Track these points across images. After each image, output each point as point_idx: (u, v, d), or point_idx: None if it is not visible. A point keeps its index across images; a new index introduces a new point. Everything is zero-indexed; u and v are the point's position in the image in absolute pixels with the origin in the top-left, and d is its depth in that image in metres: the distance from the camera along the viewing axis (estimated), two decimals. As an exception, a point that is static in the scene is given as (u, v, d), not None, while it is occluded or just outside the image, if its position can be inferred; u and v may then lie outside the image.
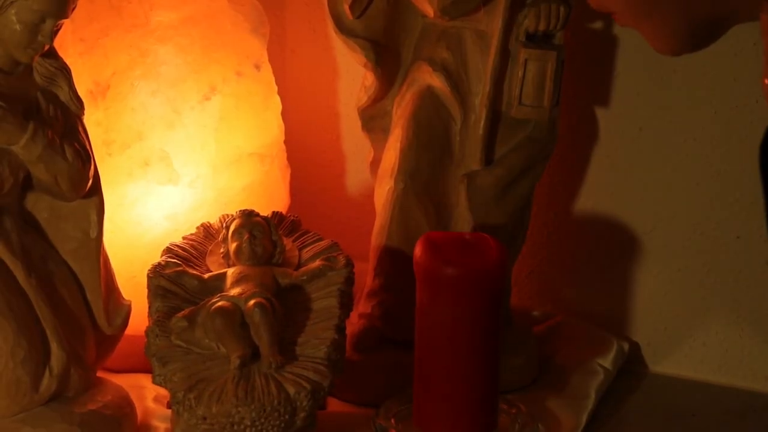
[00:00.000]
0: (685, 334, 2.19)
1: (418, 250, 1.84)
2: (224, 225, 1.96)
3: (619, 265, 2.22)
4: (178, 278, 1.86)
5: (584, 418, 1.97)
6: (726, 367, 2.15)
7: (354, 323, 2.01)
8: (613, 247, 2.22)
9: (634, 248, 2.21)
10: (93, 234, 1.86)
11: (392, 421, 1.89)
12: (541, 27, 1.99)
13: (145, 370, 1.84)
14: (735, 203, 2.13)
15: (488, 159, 2.03)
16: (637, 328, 2.21)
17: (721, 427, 2.03)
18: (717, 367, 2.16)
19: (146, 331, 1.80)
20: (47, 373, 1.79)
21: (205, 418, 1.71)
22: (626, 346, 2.16)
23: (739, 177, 2.12)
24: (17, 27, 1.73)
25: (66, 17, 1.77)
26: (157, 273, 1.86)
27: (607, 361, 2.12)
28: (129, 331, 1.93)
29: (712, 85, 2.12)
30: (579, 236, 2.25)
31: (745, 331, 2.14)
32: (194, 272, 1.89)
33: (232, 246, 1.91)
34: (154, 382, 1.78)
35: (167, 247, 1.93)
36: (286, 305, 1.83)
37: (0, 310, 1.76)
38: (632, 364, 2.18)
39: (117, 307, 1.92)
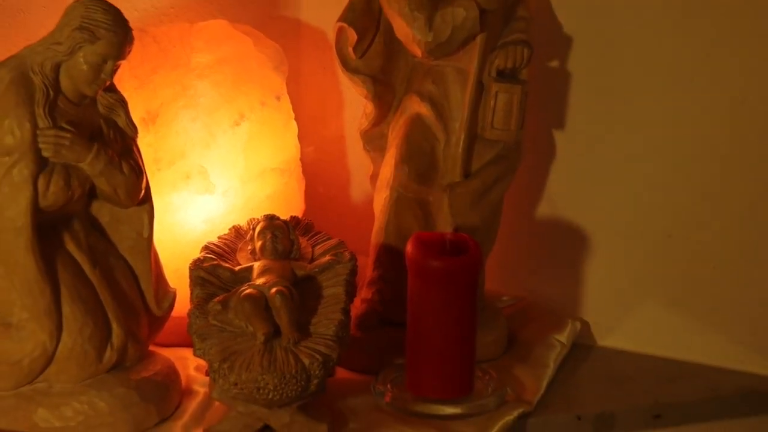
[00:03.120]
0: (625, 315, 2.17)
1: (409, 247, 1.84)
2: (251, 227, 1.96)
3: (572, 259, 2.21)
4: (213, 270, 1.86)
5: (544, 383, 1.97)
6: (657, 341, 2.14)
7: (357, 307, 2.00)
8: (568, 244, 2.21)
9: (584, 244, 2.19)
10: (145, 234, 1.87)
11: (388, 386, 1.90)
12: (509, 65, 1.99)
13: (188, 344, 1.83)
14: (666, 208, 2.11)
15: (466, 172, 2.01)
16: (587, 310, 2.20)
17: (653, 388, 2.02)
18: (650, 341, 2.15)
19: (188, 313, 1.80)
20: (109, 347, 1.80)
21: (236, 384, 1.70)
22: (578, 325, 2.15)
23: (670, 186, 2.10)
24: (84, 67, 1.73)
25: (123, 59, 1.77)
26: (197, 266, 1.86)
27: (563, 336, 2.11)
28: (174, 313, 1.94)
29: (646, 111, 2.11)
30: (540, 235, 2.24)
31: (673, 312, 2.13)
32: (227, 265, 1.88)
33: (258, 244, 1.91)
34: (194, 354, 1.77)
35: (205, 245, 1.93)
36: (302, 292, 1.82)
37: (71, 296, 1.76)
38: (583, 339, 2.17)
39: (164, 293, 1.92)
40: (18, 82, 1.71)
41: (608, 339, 2.19)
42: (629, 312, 2.17)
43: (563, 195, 2.21)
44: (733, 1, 2.01)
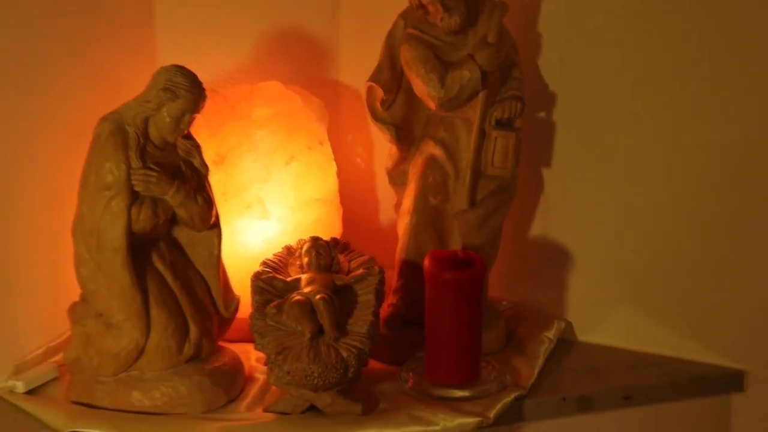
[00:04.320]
0: (601, 316, 2.16)
1: (426, 262, 1.86)
2: (300, 246, 1.98)
3: (558, 271, 2.19)
4: (270, 281, 1.88)
5: (536, 371, 1.98)
6: (627, 337, 2.13)
7: (385, 310, 2.00)
8: (555, 259, 2.19)
9: (568, 260, 2.18)
10: (215, 252, 1.89)
11: (411, 374, 1.92)
12: (506, 115, 1.99)
13: (249, 341, 1.84)
14: (635, 230, 2.10)
15: (472, 201, 2.02)
16: (570, 312, 2.19)
17: (624, 375, 2.01)
18: (621, 337, 2.13)
19: (250, 315, 1.83)
20: (187, 342, 1.83)
21: (288, 372, 1.73)
22: (563, 324, 2.14)
23: (639, 212, 2.09)
24: (168, 120, 1.77)
25: (198, 113, 1.80)
26: (256, 277, 1.88)
27: (551, 333, 2.11)
28: (239, 315, 1.95)
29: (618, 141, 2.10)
30: (533, 251, 2.22)
31: (639, 314, 2.12)
32: (280, 277, 1.90)
33: (305, 260, 1.94)
34: (255, 348, 1.80)
35: (263, 260, 1.94)
36: (341, 298, 1.84)
37: (157, 302, 1.80)
38: (567, 335, 2.16)
39: (231, 299, 1.94)
40: (116, 132, 1.74)
41: (587, 335, 2.16)
42: (604, 313, 2.15)
43: (551, 220, 2.19)
44: (714, 43, 1.97)
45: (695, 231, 2.07)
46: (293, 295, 1.83)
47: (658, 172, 2.08)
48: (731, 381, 2.05)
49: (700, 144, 2.03)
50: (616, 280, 2.15)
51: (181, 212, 1.83)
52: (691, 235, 2.07)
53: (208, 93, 1.81)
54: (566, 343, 2.15)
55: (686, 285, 2.08)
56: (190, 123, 1.80)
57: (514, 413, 1.87)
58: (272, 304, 1.83)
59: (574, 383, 1.98)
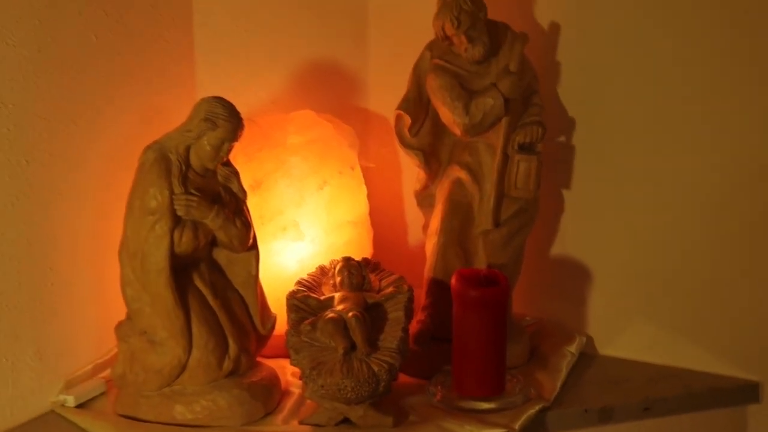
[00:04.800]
0: (620, 330, 2.15)
1: (453, 280, 1.87)
2: (333, 266, 1.99)
3: (579, 288, 2.19)
4: (304, 299, 1.89)
5: (559, 384, 1.98)
6: (646, 350, 2.12)
7: (414, 326, 1.99)
8: (576, 277, 2.19)
9: (588, 277, 2.18)
10: (253, 272, 1.89)
11: (439, 387, 1.92)
12: (528, 140, 2.00)
13: (285, 356, 1.84)
14: (652, 248, 2.09)
15: (496, 222, 2.02)
16: (591, 327, 2.18)
17: (643, 387, 2.01)
18: (640, 350, 2.13)
19: (286, 332, 1.83)
20: (227, 358, 1.83)
21: (322, 386, 1.73)
22: (584, 338, 2.14)
23: (656, 232, 2.08)
24: (208, 148, 1.79)
25: (236, 141, 1.81)
26: (292, 296, 1.89)
27: (572, 347, 2.11)
28: (275, 332, 1.95)
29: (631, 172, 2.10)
30: (554, 269, 2.22)
31: (657, 328, 2.11)
32: (314, 296, 1.91)
33: (338, 279, 1.94)
34: (291, 363, 1.81)
35: (298, 280, 1.95)
36: (372, 316, 1.85)
37: (198, 320, 1.80)
38: (588, 349, 2.15)
39: (268, 317, 1.95)
40: (160, 160, 1.76)
41: (608, 349, 2.16)
42: (623, 328, 2.15)
43: (571, 239, 2.19)
44: (729, 73, 1.97)
45: (707, 248, 2.07)
46: (327, 313, 1.83)
47: (669, 192, 2.08)
48: (747, 392, 2.04)
49: (709, 164, 2.03)
50: (634, 296, 2.14)
51: (220, 235, 1.83)
52: (703, 252, 2.07)
53: (245, 122, 1.82)
54: (587, 356, 2.15)
55: (701, 299, 2.08)
56: (228, 151, 1.81)
57: (538, 424, 1.86)
58: (307, 322, 1.83)
59: (595, 395, 1.97)
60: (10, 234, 1.78)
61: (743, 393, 2.04)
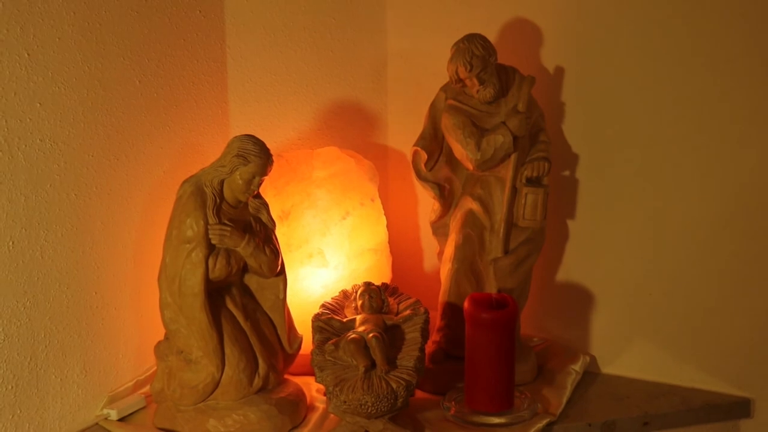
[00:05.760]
0: (621, 350, 2.14)
1: (466, 304, 1.87)
2: (354, 290, 1.98)
3: (583, 310, 2.18)
4: (328, 321, 1.89)
5: (564, 400, 1.97)
6: (646, 368, 2.11)
7: (429, 346, 1.99)
8: (580, 300, 2.17)
9: (591, 300, 2.16)
10: (281, 296, 1.89)
11: (453, 403, 1.91)
12: (535, 174, 2.01)
13: (311, 374, 1.84)
14: (649, 274, 2.08)
15: (506, 250, 2.02)
16: (594, 346, 2.17)
17: (643, 403, 1.99)
18: (640, 369, 2.11)
19: (311, 352, 1.83)
20: (257, 376, 1.83)
21: (345, 402, 1.73)
22: (588, 358, 2.13)
23: (653, 258, 2.07)
24: (240, 182, 1.79)
25: (266, 175, 1.82)
26: (316, 318, 1.89)
27: (577, 366, 2.09)
28: (301, 351, 1.95)
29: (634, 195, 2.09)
30: (559, 293, 2.21)
31: (656, 348, 2.10)
32: (337, 318, 1.90)
33: (359, 302, 1.94)
34: (315, 380, 1.80)
35: (322, 303, 1.95)
36: (391, 336, 1.85)
37: (231, 340, 1.80)
38: (591, 367, 2.14)
39: (295, 338, 1.94)
40: (196, 193, 1.77)
41: (610, 368, 2.15)
42: (624, 348, 2.14)
43: (575, 265, 2.19)
44: (734, 102, 1.96)
45: (703, 274, 2.06)
46: (349, 334, 1.83)
47: (666, 223, 2.07)
48: (740, 408, 2.03)
49: (705, 194, 2.03)
50: (634, 318, 2.14)
51: (251, 262, 1.83)
52: (699, 278, 2.06)
53: (274, 157, 1.82)
54: (591, 374, 2.14)
55: (697, 322, 2.08)
56: (259, 184, 1.82)
57: (545, 437, 1.88)
58: (330, 342, 1.83)
59: (598, 410, 1.96)
60: (60, 261, 1.78)
61: (736, 409, 2.03)
